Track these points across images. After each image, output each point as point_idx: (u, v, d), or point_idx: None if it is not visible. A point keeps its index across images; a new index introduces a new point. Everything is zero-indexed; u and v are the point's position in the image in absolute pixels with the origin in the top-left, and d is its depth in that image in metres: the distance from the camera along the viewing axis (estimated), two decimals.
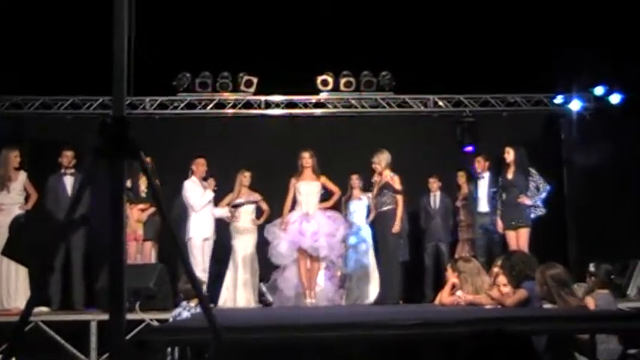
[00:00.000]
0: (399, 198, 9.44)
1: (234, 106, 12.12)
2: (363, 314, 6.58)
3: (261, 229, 10.17)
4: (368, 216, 10.36)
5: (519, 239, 9.36)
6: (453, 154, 11.97)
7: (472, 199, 10.73)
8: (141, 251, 9.97)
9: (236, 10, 10.88)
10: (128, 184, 8.51)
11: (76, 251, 9.48)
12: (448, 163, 11.68)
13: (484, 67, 11.15)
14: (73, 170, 9.72)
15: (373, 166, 9.66)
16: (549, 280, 5.73)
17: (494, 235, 10.13)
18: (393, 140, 10.67)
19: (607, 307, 6.13)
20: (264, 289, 10.07)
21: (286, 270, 9.89)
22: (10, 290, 9.02)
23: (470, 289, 7.19)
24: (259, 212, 10.48)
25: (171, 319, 6.95)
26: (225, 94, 12.04)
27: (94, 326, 8.14)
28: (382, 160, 9.56)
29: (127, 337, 2.66)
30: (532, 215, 9.59)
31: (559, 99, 12.17)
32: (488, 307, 6.54)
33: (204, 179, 10.16)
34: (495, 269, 7.12)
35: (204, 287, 9.31)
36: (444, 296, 7.54)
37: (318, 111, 12.33)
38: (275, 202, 10.30)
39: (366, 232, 10.33)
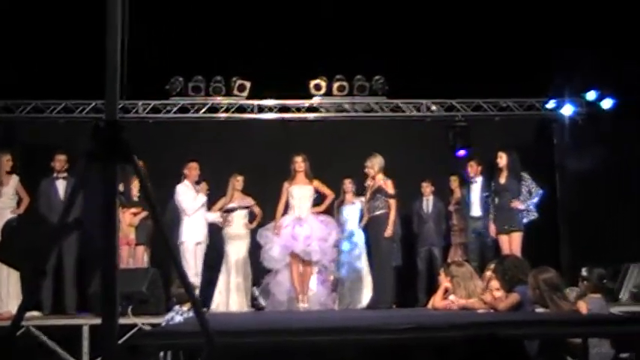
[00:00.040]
0: (392, 202, 9.45)
1: (227, 110, 12.11)
2: (356, 319, 6.58)
3: (253, 233, 10.16)
4: (361, 220, 10.35)
5: (512, 243, 9.38)
6: (445, 158, 11.99)
7: (465, 204, 10.75)
8: (133, 255, 9.95)
9: (229, 14, 10.89)
10: (120, 188, 8.53)
11: (68, 255, 9.43)
12: (441, 167, 11.70)
13: (476, 71, 11.17)
14: (65, 174, 9.69)
15: (366, 170, 9.68)
16: (542, 285, 5.73)
17: (486, 240, 10.15)
18: (385, 144, 10.69)
19: (599, 311, 6.15)
20: (256, 293, 10.06)
21: (278, 274, 9.88)
22: (1, 294, 8.99)
23: (462, 293, 7.19)
24: (252, 216, 10.47)
25: (163, 324, 6.93)
26: (218, 98, 12.04)
27: (86, 330, 8.12)
28: (375, 164, 9.57)
29: (120, 342, 2.65)
30: (524, 220, 9.62)
31: (551, 104, 12.21)
32: (480, 311, 6.53)
33: (197, 183, 10.14)
34: (488, 273, 7.13)
35: (197, 291, 9.29)
36: (436, 300, 7.53)
37: (311, 115, 12.34)
38: (268, 206, 10.29)
39: (359, 237, 10.33)
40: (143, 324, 7.94)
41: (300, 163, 9.76)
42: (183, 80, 11.91)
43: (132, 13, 2.74)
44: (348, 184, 10.58)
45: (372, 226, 9.71)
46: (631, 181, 11.36)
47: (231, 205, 10.27)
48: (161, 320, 7.35)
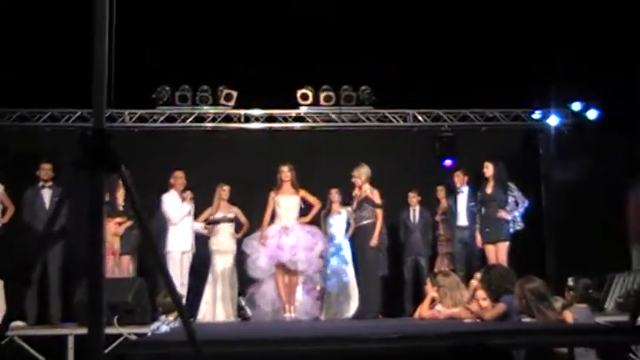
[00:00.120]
0: (379, 212, 9.46)
1: (213, 120, 12.11)
2: (342, 328, 6.57)
3: (239, 242, 10.14)
4: (347, 230, 10.35)
5: (498, 253, 9.41)
6: (432, 168, 12.03)
7: (451, 214, 10.77)
8: (119, 265, 9.90)
9: (216, 24, 10.89)
10: (105, 197, 8.49)
11: (52, 264, 9.37)
12: (427, 177, 11.73)
13: (463, 82, 11.23)
14: (51, 183, 9.65)
15: (353, 180, 9.68)
16: (528, 294, 5.74)
17: (473, 249, 10.17)
18: (372, 154, 10.69)
19: (585, 321, 6.17)
20: (243, 302, 10.03)
21: (263, 285, 9.83)
22: None
23: (449, 303, 7.20)
24: (238, 226, 10.45)
25: (149, 333, 6.90)
26: (205, 107, 12.03)
27: (71, 340, 8.07)
28: (362, 174, 9.58)
29: (105, 352, 2.64)
30: (511, 230, 9.65)
31: (537, 114, 12.29)
32: (467, 320, 6.54)
33: (183, 192, 10.12)
34: (473, 282, 7.15)
35: (183, 301, 9.25)
36: (423, 310, 7.54)
37: (297, 125, 12.35)
38: (254, 215, 10.28)
39: (347, 250, 10.31)
40: (129, 334, 7.90)
41: (286, 172, 9.76)
42: (170, 89, 11.90)
43: (118, 21, 2.74)
44: (335, 194, 10.58)
45: (358, 236, 9.71)
46: (616, 192, 11.42)
47: (216, 216, 10.26)
48: (147, 330, 7.31)
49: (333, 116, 12.25)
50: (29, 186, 9.71)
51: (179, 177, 10.11)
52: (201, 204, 10.39)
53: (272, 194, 9.76)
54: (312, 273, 9.85)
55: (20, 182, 9.87)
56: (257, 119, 12.27)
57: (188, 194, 10.10)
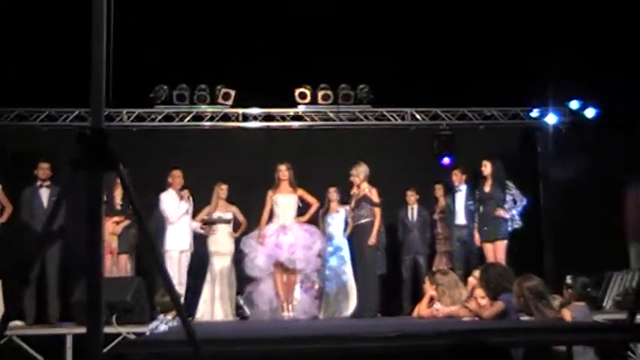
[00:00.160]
0: (377, 211, 9.46)
1: (211, 119, 12.10)
2: (341, 327, 6.57)
3: (237, 242, 10.13)
4: (346, 229, 10.35)
5: (496, 252, 9.41)
6: (430, 167, 12.02)
7: (449, 212, 10.77)
8: (116, 264, 9.89)
9: (214, 23, 10.88)
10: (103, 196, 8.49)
11: (50, 264, 9.37)
12: (426, 176, 11.72)
13: (461, 80, 11.23)
14: (49, 182, 9.64)
15: (351, 178, 9.68)
16: (526, 293, 5.74)
17: (471, 248, 10.17)
18: (370, 153, 10.69)
19: (583, 319, 6.18)
20: (241, 302, 10.03)
21: (260, 284, 9.81)
22: None
23: (447, 301, 7.20)
24: (236, 225, 10.45)
25: (148, 333, 6.90)
26: (203, 106, 12.02)
27: (69, 340, 8.07)
28: (360, 172, 9.58)
29: (104, 351, 2.63)
30: (509, 228, 9.65)
31: (535, 113, 12.28)
32: (465, 319, 6.55)
33: (181, 190, 10.12)
34: (470, 279, 7.16)
35: (181, 300, 9.25)
36: (421, 309, 7.54)
37: (295, 124, 12.34)
38: (252, 214, 10.27)
39: (346, 251, 10.29)
40: (127, 333, 7.89)
41: (284, 171, 9.75)
42: (168, 88, 11.89)
43: (116, 21, 2.74)
44: (333, 193, 10.57)
45: (356, 235, 9.71)
46: (614, 190, 11.43)
47: (210, 218, 10.25)
48: (145, 329, 7.31)
49: (331, 115, 12.24)
50: (27, 185, 9.70)
51: (177, 176, 10.11)
52: (199, 203, 10.38)
53: (270, 193, 9.75)
54: (310, 272, 9.85)
55: (18, 181, 9.85)
56: (255, 118, 12.26)
57: (186, 193, 10.10)
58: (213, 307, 10.03)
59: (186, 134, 12.05)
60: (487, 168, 9.78)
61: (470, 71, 11.05)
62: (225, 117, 12.13)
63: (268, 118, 12.29)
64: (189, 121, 12.04)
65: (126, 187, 2.70)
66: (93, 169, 2.52)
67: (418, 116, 12.37)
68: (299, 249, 9.57)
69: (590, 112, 11.90)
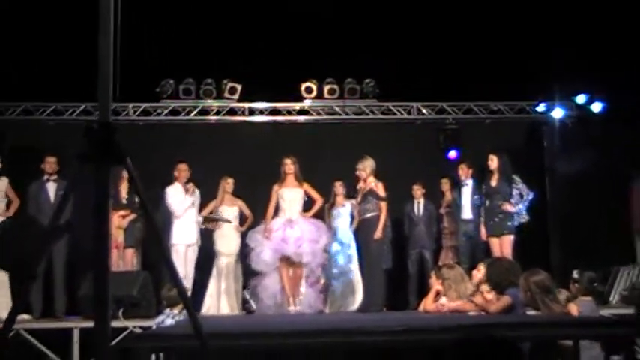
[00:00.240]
0: (383, 205, 9.45)
1: (217, 113, 12.09)
2: (347, 321, 6.58)
3: (243, 236, 10.15)
4: (352, 223, 10.35)
5: (503, 246, 9.40)
6: (436, 161, 12.01)
7: (456, 207, 10.77)
8: (122, 258, 9.91)
9: (220, 17, 10.88)
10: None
11: (57, 258, 9.41)
12: (432, 170, 11.71)
13: (467, 74, 11.20)
14: (55, 177, 9.67)
15: (357, 173, 9.66)
16: (533, 287, 5.75)
17: (478, 242, 10.17)
18: (376, 147, 10.68)
19: (590, 313, 6.17)
20: (247, 296, 10.04)
21: (265, 278, 9.80)
22: None
23: (454, 295, 7.19)
24: (242, 219, 10.46)
25: (154, 326, 6.92)
26: (209, 100, 12.00)
27: (76, 334, 8.10)
28: (367, 167, 9.56)
29: (111, 344, 2.65)
30: (515, 222, 9.64)
31: (541, 107, 12.24)
32: (472, 313, 6.55)
33: (186, 184, 10.13)
34: (475, 272, 7.15)
35: (188, 294, 9.26)
36: (427, 303, 7.54)
37: (301, 118, 12.32)
38: (258, 208, 10.29)
39: (351, 242, 10.28)
40: (134, 327, 7.92)
41: (289, 165, 9.76)
42: (174, 83, 11.88)
43: (123, 15, 2.74)
44: (339, 187, 10.57)
45: (362, 229, 9.70)
46: (620, 184, 11.41)
47: (212, 216, 10.26)
48: (152, 323, 7.33)
49: (337, 109, 12.23)
50: (34, 180, 9.73)
51: (183, 170, 10.12)
52: (205, 197, 10.40)
53: (275, 187, 9.76)
54: (315, 266, 9.84)
55: (25, 176, 9.88)
56: (261, 112, 12.25)
57: (191, 186, 10.10)
58: (219, 301, 10.05)
59: (192, 128, 12.05)
60: (493, 162, 9.76)
61: (476, 65, 11.02)
62: (232, 111, 12.13)
63: (274, 112, 12.28)
64: (195, 115, 12.03)
65: (134, 180, 2.71)
66: (100, 163, 2.53)
67: (424, 110, 12.35)
68: (305, 242, 9.58)
69: (596, 107, 11.85)
